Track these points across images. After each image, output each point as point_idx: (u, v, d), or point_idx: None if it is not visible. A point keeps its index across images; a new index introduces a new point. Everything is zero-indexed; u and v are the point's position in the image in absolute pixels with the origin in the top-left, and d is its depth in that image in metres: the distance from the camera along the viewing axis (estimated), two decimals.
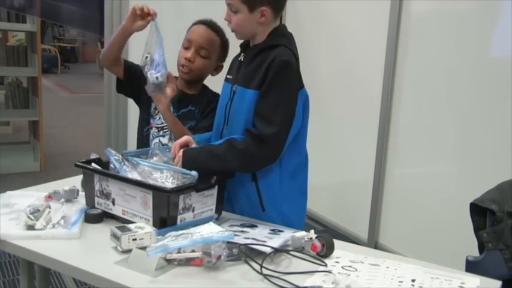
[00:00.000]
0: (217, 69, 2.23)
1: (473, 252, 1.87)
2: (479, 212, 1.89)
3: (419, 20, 3.22)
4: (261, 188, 1.88)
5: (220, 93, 2.03)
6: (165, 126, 2.16)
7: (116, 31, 2.09)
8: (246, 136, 1.78)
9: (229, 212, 1.91)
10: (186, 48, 2.15)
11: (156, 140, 2.20)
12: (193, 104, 2.20)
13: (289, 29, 1.92)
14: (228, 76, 1.99)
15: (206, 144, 1.87)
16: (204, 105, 2.20)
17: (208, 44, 2.15)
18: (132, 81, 2.18)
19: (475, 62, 2.89)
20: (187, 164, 1.75)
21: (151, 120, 2.22)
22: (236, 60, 1.98)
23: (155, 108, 2.18)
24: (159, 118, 2.18)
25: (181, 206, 1.63)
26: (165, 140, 2.19)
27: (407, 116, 3.31)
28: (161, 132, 2.19)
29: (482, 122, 2.83)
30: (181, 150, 1.79)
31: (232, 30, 1.89)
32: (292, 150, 1.87)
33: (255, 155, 1.78)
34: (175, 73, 2.18)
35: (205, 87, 2.28)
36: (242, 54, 1.93)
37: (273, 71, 1.76)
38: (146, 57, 1.93)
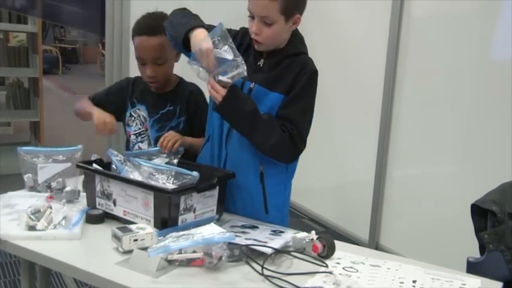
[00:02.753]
0: (177, 55, 2.14)
1: (474, 253, 1.87)
2: (480, 213, 1.89)
3: (420, 21, 3.23)
4: (267, 190, 1.88)
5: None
6: (142, 131, 2.15)
7: (85, 109, 2.12)
8: (285, 130, 1.80)
9: (231, 210, 1.91)
10: (142, 64, 2.09)
11: (136, 147, 2.18)
12: (173, 102, 2.15)
13: None
14: None
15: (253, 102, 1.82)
16: (187, 104, 2.15)
17: (159, 51, 2.06)
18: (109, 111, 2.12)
19: (475, 63, 2.89)
20: (229, 99, 1.73)
21: (128, 129, 2.20)
22: (248, 57, 1.89)
23: (131, 116, 2.18)
24: (136, 125, 2.17)
25: (182, 206, 1.63)
26: (144, 146, 2.17)
27: (408, 117, 3.31)
28: (139, 138, 2.18)
29: (483, 123, 2.83)
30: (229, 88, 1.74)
31: (259, 42, 1.82)
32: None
33: (287, 146, 1.80)
34: None
35: (180, 80, 2.22)
36: (262, 59, 1.87)
37: (305, 79, 1.80)
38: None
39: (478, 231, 1.89)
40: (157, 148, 1.92)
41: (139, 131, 2.17)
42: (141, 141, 2.16)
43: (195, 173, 1.66)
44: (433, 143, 3.14)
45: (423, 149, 3.22)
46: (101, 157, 1.90)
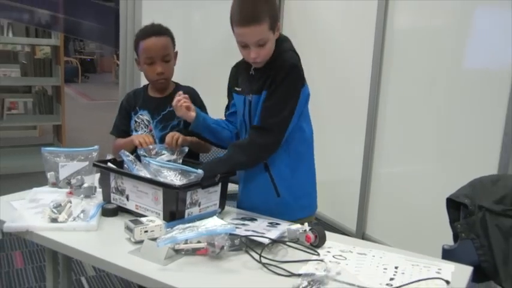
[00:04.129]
0: (175, 57, 2.14)
1: (449, 241, 1.87)
2: (454, 206, 1.89)
3: (402, 34, 3.22)
4: (274, 176, 1.85)
5: (231, 104, 1.99)
6: (147, 133, 2.12)
7: (123, 144, 2.07)
8: (250, 132, 1.80)
9: (247, 205, 1.89)
10: (151, 63, 2.07)
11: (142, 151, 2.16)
12: (171, 104, 2.07)
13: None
14: (237, 89, 1.92)
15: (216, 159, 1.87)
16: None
17: (167, 49, 2.07)
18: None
19: (448, 71, 2.90)
20: (206, 177, 1.70)
21: (135, 133, 2.15)
22: (242, 74, 1.89)
23: (135, 122, 2.16)
24: (141, 128, 2.15)
25: (188, 201, 1.63)
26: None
27: (391, 120, 3.31)
28: None
29: (457, 126, 2.83)
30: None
31: (259, 63, 1.77)
32: (298, 138, 1.84)
33: (260, 145, 1.77)
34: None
35: (177, 85, 2.21)
36: (252, 68, 1.83)
37: (282, 73, 1.74)
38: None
39: (452, 221, 1.90)
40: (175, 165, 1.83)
41: (145, 133, 2.14)
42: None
43: (200, 171, 1.66)
44: (414, 143, 3.14)
45: (405, 149, 3.22)
46: (115, 156, 1.90)
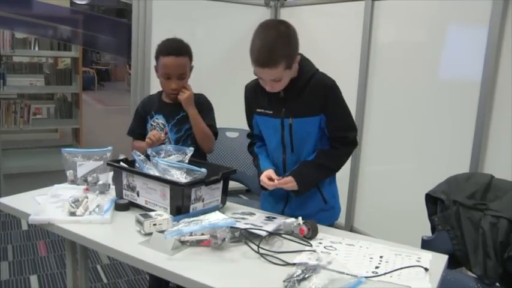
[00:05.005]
0: (190, 70, 2.11)
1: (427, 232, 1.87)
2: (432, 200, 1.90)
3: (385, 48, 3.22)
4: (321, 187, 1.80)
5: (254, 124, 1.87)
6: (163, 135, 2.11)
7: (140, 146, 2.04)
8: (338, 146, 1.73)
9: (301, 214, 1.65)
10: (167, 78, 2.04)
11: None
12: (184, 109, 2.09)
13: None
14: (264, 111, 1.76)
15: (305, 163, 1.73)
16: (197, 108, 2.09)
17: (183, 68, 2.05)
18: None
19: (427, 81, 2.89)
20: (304, 186, 1.70)
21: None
22: (265, 95, 1.73)
23: (151, 125, 2.14)
24: (157, 131, 2.11)
25: (193, 197, 1.61)
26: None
27: (376, 124, 3.30)
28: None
29: (435, 129, 2.83)
30: (289, 177, 1.69)
31: (277, 90, 1.68)
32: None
33: (349, 154, 1.78)
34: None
35: None
36: (282, 91, 1.68)
37: (332, 94, 1.69)
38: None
39: (430, 215, 1.90)
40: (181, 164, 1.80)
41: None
42: (163, 143, 2.10)
43: (203, 169, 1.64)
44: (396, 145, 3.13)
45: (388, 150, 3.21)
46: (127, 156, 1.88)
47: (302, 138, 1.73)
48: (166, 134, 2.12)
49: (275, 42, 1.56)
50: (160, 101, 2.16)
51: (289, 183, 1.69)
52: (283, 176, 1.74)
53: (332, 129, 1.72)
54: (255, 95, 1.80)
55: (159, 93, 2.20)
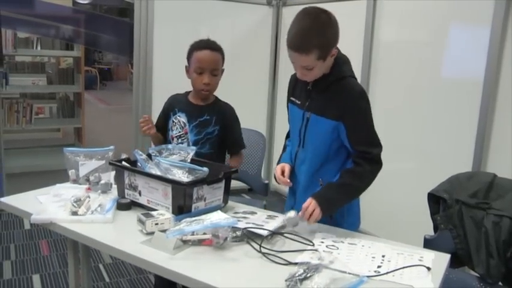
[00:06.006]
0: (222, 73, 2.12)
1: (430, 231, 1.87)
2: (434, 200, 1.90)
3: (387, 48, 3.21)
4: None
5: (288, 113, 1.83)
6: (182, 134, 2.11)
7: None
8: (361, 162, 1.62)
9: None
10: (200, 73, 2.02)
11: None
12: (209, 113, 2.09)
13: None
14: (295, 100, 1.76)
15: (328, 185, 1.64)
16: (222, 116, 2.10)
17: (217, 64, 2.04)
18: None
19: (430, 80, 2.88)
20: (327, 210, 1.59)
21: (171, 133, 2.15)
22: (300, 85, 1.74)
23: (173, 122, 2.13)
24: (177, 129, 2.12)
25: (195, 196, 1.61)
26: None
27: (378, 123, 3.23)
28: (179, 140, 2.11)
29: (437, 128, 2.82)
30: (313, 202, 1.56)
31: (307, 80, 1.66)
32: (343, 153, 1.72)
33: (373, 172, 1.66)
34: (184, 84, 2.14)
35: (216, 98, 2.16)
36: (310, 83, 1.67)
37: (355, 103, 1.61)
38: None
39: (432, 214, 1.90)
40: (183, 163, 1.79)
41: (180, 134, 2.12)
42: (181, 143, 2.10)
43: (205, 169, 1.64)
44: (398, 144, 3.12)
45: (390, 150, 3.16)
46: (129, 156, 1.88)
47: (313, 136, 1.70)
48: (186, 133, 2.10)
49: (310, 29, 1.54)
50: (186, 100, 2.15)
51: (311, 209, 1.56)
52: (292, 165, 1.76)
53: (354, 143, 1.63)
54: (294, 84, 1.79)
55: (187, 92, 2.18)
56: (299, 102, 1.74)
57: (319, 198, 1.58)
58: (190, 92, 2.17)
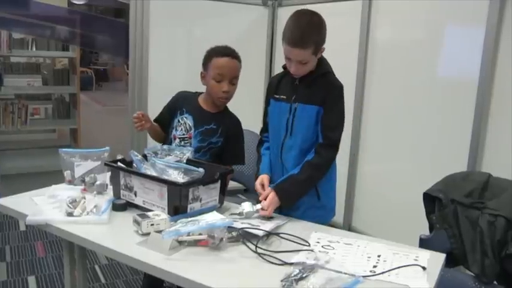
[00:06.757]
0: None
1: (425, 231, 1.87)
2: (429, 199, 1.90)
3: (383, 47, 3.22)
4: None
5: (268, 111, 1.95)
6: (186, 138, 2.06)
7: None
8: (320, 150, 1.78)
9: (292, 209, 1.83)
10: (219, 81, 1.98)
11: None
12: (216, 122, 2.04)
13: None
14: (279, 97, 1.89)
15: (289, 177, 1.80)
16: (227, 128, 2.07)
17: (236, 72, 2.01)
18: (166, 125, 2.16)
19: (425, 80, 2.89)
20: (285, 201, 1.76)
21: (174, 132, 2.10)
22: (285, 82, 1.90)
23: (178, 122, 2.09)
24: (181, 130, 2.07)
25: (190, 197, 1.61)
26: None
27: (374, 123, 3.30)
28: (182, 143, 2.06)
29: (432, 127, 2.83)
30: (272, 192, 1.75)
31: (298, 75, 1.81)
32: None
33: (331, 159, 1.82)
34: (197, 86, 2.10)
35: (226, 108, 2.12)
36: (297, 79, 1.83)
37: (334, 93, 1.80)
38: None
39: (428, 213, 1.90)
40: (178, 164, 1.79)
41: (184, 136, 2.06)
42: (184, 146, 2.03)
43: (201, 169, 1.64)
44: (394, 144, 3.13)
45: (386, 150, 3.21)
46: (124, 157, 1.88)
47: (301, 122, 1.82)
48: (189, 138, 2.05)
49: (308, 27, 1.73)
50: (195, 102, 2.09)
51: (271, 199, 1.73)
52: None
53: (324, 126, 1.79)
54: (278, 83, 1.93)
55: (197, 93, 2.13)
56: (285, 97, 1.87)
57: (281, 192, 1.74)
58: (201, 94, 2.11)
